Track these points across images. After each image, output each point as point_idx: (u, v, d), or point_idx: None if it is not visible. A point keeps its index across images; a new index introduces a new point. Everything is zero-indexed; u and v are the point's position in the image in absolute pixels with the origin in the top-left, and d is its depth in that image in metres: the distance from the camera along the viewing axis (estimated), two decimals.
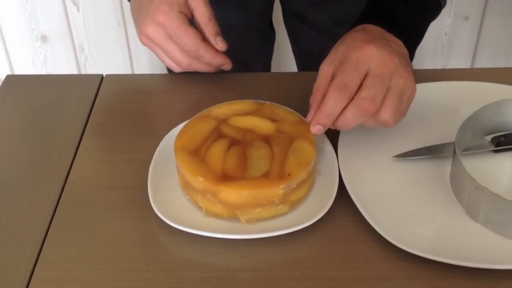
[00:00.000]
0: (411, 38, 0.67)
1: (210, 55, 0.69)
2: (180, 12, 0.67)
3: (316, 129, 0.58)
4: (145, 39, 0.69)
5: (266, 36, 1.02)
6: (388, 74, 0.58)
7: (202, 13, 0.69)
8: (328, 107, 0.57)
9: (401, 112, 0.60)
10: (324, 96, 0.58)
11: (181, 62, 0.69)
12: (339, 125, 0.59)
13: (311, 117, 0.59)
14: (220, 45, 0.70)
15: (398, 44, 0.63)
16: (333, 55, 0.61)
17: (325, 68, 0.60)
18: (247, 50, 0.99)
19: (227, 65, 0.72)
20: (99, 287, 0.53)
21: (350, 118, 0.57)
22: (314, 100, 0.59)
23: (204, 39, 0.70)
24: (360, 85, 0.57)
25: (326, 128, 0.58)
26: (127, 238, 0.58)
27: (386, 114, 0.58)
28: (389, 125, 0.59)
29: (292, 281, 0.53)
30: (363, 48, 0.58)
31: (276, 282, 0.53)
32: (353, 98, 0.57)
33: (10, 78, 0.80)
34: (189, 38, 0.67)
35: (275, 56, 1.09)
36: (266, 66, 1.06)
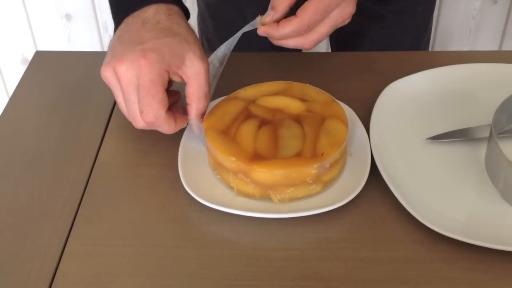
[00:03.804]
0: None
1: (166, 128, 0.59)
2: (166, 70, 0.57)
3: (262, 31, 0.61)
4: (110, 73, 0.58)
5: None
6: (336, 4, 0.60)
7: (200, 86, 0.58)
8: (281, 27, 0.60)
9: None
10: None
11: (132, 119, 0.59)
12: (277, 35, 0.61)
13: (269, 17, 0.61)
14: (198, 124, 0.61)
15: None
16: None
17: None
18: None
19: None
20: (130, 262, 0.54)
21: (287, 31, 0.60)
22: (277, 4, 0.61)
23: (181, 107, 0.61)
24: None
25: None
26: (158, 215, 0.58)
27: (307, 40, 0.61)
28: (306, 48, 0.62)
29: (323, 261, 0.53)
30: None
31: (307, 261, 0.53)
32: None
33: (40, 54, 0.80)
34: (154, 100, 0.56)
35: None
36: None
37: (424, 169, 0.60)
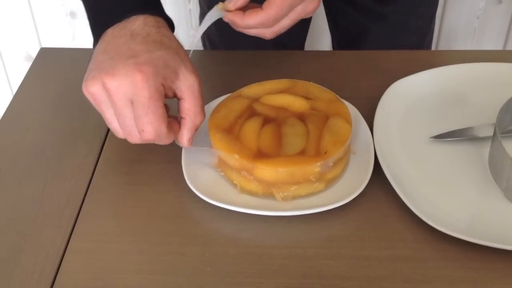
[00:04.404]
0: None
1: (165, 141, 0.57)
2: (162, 84, 0.54)
3: (227, 18, 0.61)
4: (99, 89, 0.54)
5: None
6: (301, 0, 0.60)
7: (195, 100, 0.56)
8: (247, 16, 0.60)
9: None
10: None
11: (127, 134, 0.56)
12: (242, 25, 0.61)
13: (232, 4, 0.60)
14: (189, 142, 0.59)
15: None
16: None
17: None
18: None
19: None
20: (133, 259, 0.54)
21: (252, 23, 0.60)
22: None
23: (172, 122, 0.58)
24: None
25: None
26: (161, 212, 0.58)
27: (268, 31, 0.61)
28: (266, 37, 0.62)
29: (326, 259, 0.53)
30: None
31: (309, 260, 0.53)
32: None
33: (44, 51, 0.80)
34: (155, 118, 0.53)
35: (310, 35, 1.08)
36: (300, 46, 1.05)
37: (428, 168, 0.60)
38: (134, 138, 0.56)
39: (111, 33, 0.57)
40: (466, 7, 1.51)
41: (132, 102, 0.53)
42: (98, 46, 0.58)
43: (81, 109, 0.70)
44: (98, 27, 0.59)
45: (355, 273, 0.52)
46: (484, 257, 0.52)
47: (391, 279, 0.51)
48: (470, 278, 0.51)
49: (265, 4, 0.60)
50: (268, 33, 0.62)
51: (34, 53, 0.79)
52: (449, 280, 0.51)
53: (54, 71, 0.77)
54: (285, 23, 0.61)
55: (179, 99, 0.57)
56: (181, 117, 0.58)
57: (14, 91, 1.26)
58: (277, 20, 0.60)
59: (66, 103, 0.71)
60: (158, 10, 0.60)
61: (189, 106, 0.57)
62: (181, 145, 0.59)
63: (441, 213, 0.55)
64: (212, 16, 0.62)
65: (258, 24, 0.60)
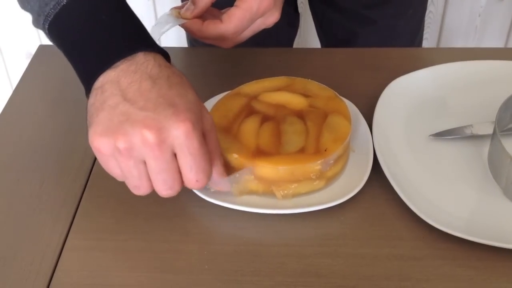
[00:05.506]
0: None
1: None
2: (202, 128, 0.51)
3: (185, 27, 0.62)
4: (136, 145, 0.47)
5: (290, 20, 0.99)
6: (262, 12, 0.61)
7: (217, 139, 0.53)
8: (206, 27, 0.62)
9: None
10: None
11: (167, 189, 0.50)
12: (200, 36, 0.62)
13: (189, 12, 0.62)
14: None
15: None
16: None
17: None
18: (270, 34, 0.97)
19: None
20: (130, 256, 0.54)
21: (210, 35, 0.62)
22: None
23: None
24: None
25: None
26: (160, 210, 0.58)
27: (227, 43, 0.63)
28: (224, 47, 0.65)
29: (324, 257, 0.53)
30: None
31: (308, 257, 0.53)
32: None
33: (43, 48, 0.80)
34: (207, 165, 0.50)
35: (298, 40, 1.07)
36: None
37: (427, 166, 0.60)
38: (171, 191, 0.51)
39: (123, 77, 0.50)
40: (467, 4, 1.51)
41: (175, 154, 0.49)
42: (107, 93, 0.49)
43: (79, 106, 0.69)
44: (95, 69, 0.51)
45: (353, 271, 0.52)
46: (483, 256, 0.52)
47: (389, 278, 0.51)
48: (469, 276, 0.51)
49: (224, 17, 0.60)
50: (226, 44, 0.63)
51: (34, 51, 0.80)
52: (447, 278, 0.51)
53: (53, 68, 0.77)
54: (245, 35, 0.63)
55: None
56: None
57: None
58: (236, 33, 0.61)
59: (65, 100, 0.71)
60: (156, 45, 0.53)
61: (212, 146, 0.52)
62: (223, 189, 0.56)
63: (440, 211, 0.55)
64: (168, 21, 0.61)
65: (216, 36, 0.61)
